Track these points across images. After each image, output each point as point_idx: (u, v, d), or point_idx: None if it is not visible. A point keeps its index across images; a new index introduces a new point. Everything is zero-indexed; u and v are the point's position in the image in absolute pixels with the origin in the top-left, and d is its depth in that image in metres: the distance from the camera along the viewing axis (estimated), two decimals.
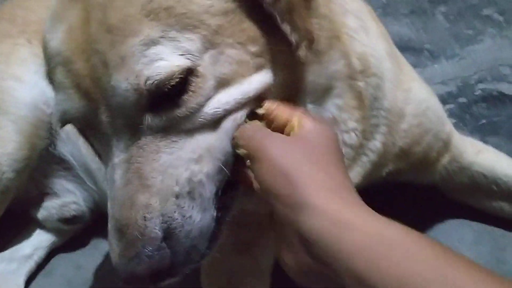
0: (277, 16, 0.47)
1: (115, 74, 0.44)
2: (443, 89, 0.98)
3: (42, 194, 0.89)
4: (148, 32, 0.44)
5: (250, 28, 0.48)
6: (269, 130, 0.49)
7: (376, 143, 0.64)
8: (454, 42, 1.05)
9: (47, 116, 0.80)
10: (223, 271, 0.67)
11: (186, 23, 0.45)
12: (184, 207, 0.46)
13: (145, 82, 0.44)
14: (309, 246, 0.41)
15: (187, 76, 0.45)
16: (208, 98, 0.46)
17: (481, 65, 1.00)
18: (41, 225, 0.90)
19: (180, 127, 0.47)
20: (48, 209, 0.89)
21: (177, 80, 0.44)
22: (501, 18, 1.07)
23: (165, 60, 0.44)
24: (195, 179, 0.47)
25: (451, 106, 0.99)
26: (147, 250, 0.45)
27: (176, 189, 0.46)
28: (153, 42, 0.44)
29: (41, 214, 0.89)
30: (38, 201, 0.89)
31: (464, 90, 0.98)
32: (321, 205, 0.41)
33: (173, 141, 0.47)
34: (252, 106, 0.49)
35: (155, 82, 0.44)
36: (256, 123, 0.50)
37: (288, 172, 0.43)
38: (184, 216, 0.46)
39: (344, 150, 0.59)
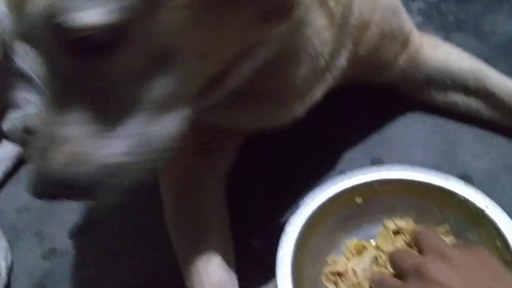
0: None
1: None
2: None
3: (5, 107, 0.89)
4: None
5: None
6: None
7: (342, 60, 0.63)
8: None
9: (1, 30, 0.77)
10: (180, 168, 0.68)
11: None
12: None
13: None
14: None
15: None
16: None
17: None
18: (7, 137, 0.90)
19: None
20: (12, 120, 0.89)
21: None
22: None
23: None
24: None
25: (420, 3, 0.98)
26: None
27: None
28: None
29: (6, 126, 0.89)
30: (2, 114, 0.89)
31: None
32: None
33: None
34: None
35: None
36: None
37: None
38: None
39: (313, 72, 0.59)
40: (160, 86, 0.45)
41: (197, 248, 0.63)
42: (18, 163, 0.91)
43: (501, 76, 0.75)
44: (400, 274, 0.55)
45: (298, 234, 0.63)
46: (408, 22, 0.74)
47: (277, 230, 0.64)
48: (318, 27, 0.57)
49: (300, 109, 0.65)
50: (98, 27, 0.41)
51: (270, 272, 0.65)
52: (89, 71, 0.44)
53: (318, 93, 0.64)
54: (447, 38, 0.89)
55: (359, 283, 0.62)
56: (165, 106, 0.46)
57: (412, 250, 0.60)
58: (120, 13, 0.41)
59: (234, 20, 0.47)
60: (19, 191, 0.87)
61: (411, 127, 0.79)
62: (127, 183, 0.47)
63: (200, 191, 0.68)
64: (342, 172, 0.72)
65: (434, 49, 0.76)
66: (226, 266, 0.64)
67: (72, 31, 0.41)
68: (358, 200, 0.66)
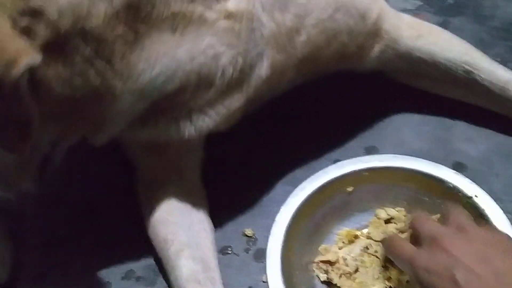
0: None
1: None
2: None
3: None
4: None
5: None
6: None
7: (261, 71, 0.61)
8: None
9: None
10: (147, 174, 0.70)
11: None
12: None
13: None
14: None
15: None
16: None
17: None
18: None
19: None
20: None
21: None
22: None
23: None
24: None
25: None
26: None
27: None
28: None
29: None
30: None
31: None
32: None
33: None
34: None
35: None
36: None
37: None
38: None
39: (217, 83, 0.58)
40: None
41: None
42: None
43: (495, 65, 0.72)
44: (416, 239, 0.55)
45: (288, 223, 0.63)
46: (375, 10, 0.69)
47: (270, 219, 0.65)
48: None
49: (210, 120, 0.63)
50: None
51: (263, 261, 0.67)
52: None
53: (236, 100, 0.62)
54: (446, 22, 0.88)
55: (349, 272, 0.63)
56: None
57: (433, 218, 0.59)
58: None
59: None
60: None
61: (405, 114, 0.78)
62: None
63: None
64: (337, 161, 0.72)
65: (418, 37, 0.72)
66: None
67: None
68: (349, 189, 0.67)
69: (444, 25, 0.87)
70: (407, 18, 0.74)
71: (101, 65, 0.51)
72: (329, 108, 0.81)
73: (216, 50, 0.56)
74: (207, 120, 0.61)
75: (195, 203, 0.69)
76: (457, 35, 0.83)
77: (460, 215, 0.54)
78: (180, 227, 0.66)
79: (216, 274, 0.65)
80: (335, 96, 0.79)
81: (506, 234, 0.53)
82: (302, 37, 0.62)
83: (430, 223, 0.55)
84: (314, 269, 0.64)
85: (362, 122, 0.79)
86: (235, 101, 0.61)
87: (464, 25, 0.88)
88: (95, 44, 0.50)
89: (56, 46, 0.48)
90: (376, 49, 0.71)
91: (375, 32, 0.69)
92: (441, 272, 0.48)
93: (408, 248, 0.54)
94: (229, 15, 0.56)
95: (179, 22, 0.54)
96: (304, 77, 0.70)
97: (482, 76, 0.71)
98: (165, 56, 0.54)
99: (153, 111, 0.59)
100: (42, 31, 0.47)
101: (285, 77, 0.65)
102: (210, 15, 0.55)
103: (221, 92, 0.59)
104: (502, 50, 0.83)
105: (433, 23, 0.84)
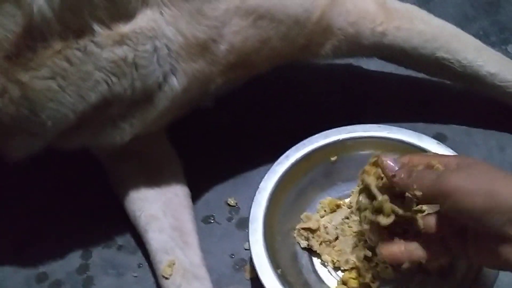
0: None
1: None
2: None
3: None
4: None
5: None
6: None
7: (173, 84, 0.58)
8: None
9: None
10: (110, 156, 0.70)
11: None
12: None
13: None
14: None
15: None
16: None
17: None
18: None
19: None
20: None
21: None
22: None
23: None
24: None
25: None
26: None
27: None
28: None
29: None
30: None
31: None
32: None
33: None
34: None
35: None
36: None
37: None
38: None
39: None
40: None
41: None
42: None
43: (475, 52, 0.70)
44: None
45: (271, 190, 0.63)
46: (316, 15, 0.63)
47: (253, 189, 0.65)
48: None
49: (128, 130, 0.61)
50: None
51: (245, 229, 0.67)
52: None
53: (146, 115, 0.60)
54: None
55: (329, 240, 0.63)
56: None
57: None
58: None
59: None
60: None
61: (388, 85, 0.79)
62: None
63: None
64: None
65: (384, 35, 0.67)
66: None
67: None
68: (333, 158, 0.67)
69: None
70: (373, 8, 0.67)
71: None
72: (317, 79, 0.81)
73: (107, 82, 0.54)
74: (122, 133, 0.60)
75: (164, 173, 0.69)
76: (440, 9, 0.83)
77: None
78: (147, 201, 0.67)
79: (190, 238, 0.65)
80: (324, 66, 0.79)
81: None
82: (222, 46, 0.59)
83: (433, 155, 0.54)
84: (295, 235, 0.64)
85: (348, 94, 0.79)
86: (149, 113, 0.60)
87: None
88: None
89: None
90: (328, 45, 0.66)
91: (322, 31, 0.65)
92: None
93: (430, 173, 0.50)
94: (122, 39, 0.53)
95: (59, 65, 0.52)
96: (250, 74, 0.67)
97: (457, 67, 0.69)
98: (51, 101, 0.53)
99: (73, 129, 0.58)
100: None
101: (213, 82, 0.62)
102: (93, 48, 0.52)
103: (127, 108, 0.58)
104: (485, 23, 0.84)
105: None
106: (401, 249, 0.52)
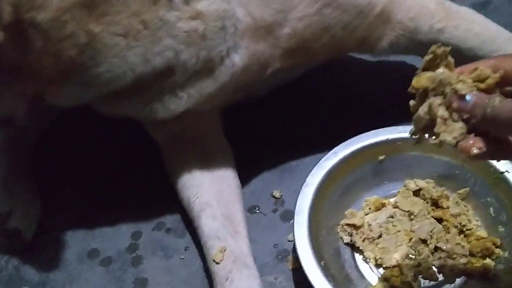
0: None
1: None
2: None
3: None
4: None
5: None
6: None
7: (235, 60, 0.61)
8: None
9: None
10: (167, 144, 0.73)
11: None
12: None
13: None
14: None
15: None
16: None
17: None
18: None
19: None
20: None
21: None
22: None
23: None
24: None
25: None
26: None
27: None
28: None
29: None
30: None
31: None
32: None
33: None
34: None
35: None
36: None
37: None
38: None
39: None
40: None
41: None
42: None
43: None
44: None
45: (318, 185, 0.65)
46: (378, 7, 0.65)
47: (298, 183, 0.66)
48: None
49: (182, 102, 0.64)
50: None
51: (289, 221, 0.69)
52: None
53: (209, 85, 0.63)
54: (487, 1, 0.88)
55: (373, 237, 0.64)
56: None
57: None
58: None
59: None
60: None
61: None
62: None
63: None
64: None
65: (441, 32, 0.67)
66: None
67: None
68: (381, 157, 0.68)
69: (484, 5, 0.87)
70: (433, 5, 0.68)
71: (48, 61, 0.54)
72: (369, 80, 0.81)
73: (175, 49, 0.58)
74: (178, 102, 0.63)
75: (219, 163, 0.72)
76: (496, 16, 0.82)
77: None
78: (202, 188, 0.69)
79: (240, 228, 0.67)
80: (375, 66, 0.80)
81: None
82: (285, 30, 0.62)
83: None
84: (339, 231, 0.65)
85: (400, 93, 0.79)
86: (207, 86, 0.62)
87: (505, 6, 0.87)
88: (44, 39, 0.52)
89: (16, 31, 0.51)
90: (386, 39, 0.68)
91: (381, 24, 0.66)
92: None
93: None
94: (197, 15, 0.57)
95: (134, 26, 0.55)
96: (307, 63, 0.69)
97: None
98: (115, 57, 0.56)
99: (127, 91, 0.60)
100: (6, 12, 0.49)
101: (271, 66, 0.65)
102: (171, 17, 0.56)
103: (189, 77, 0.61)
104: None
105: (473, 2, 0.84)
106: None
